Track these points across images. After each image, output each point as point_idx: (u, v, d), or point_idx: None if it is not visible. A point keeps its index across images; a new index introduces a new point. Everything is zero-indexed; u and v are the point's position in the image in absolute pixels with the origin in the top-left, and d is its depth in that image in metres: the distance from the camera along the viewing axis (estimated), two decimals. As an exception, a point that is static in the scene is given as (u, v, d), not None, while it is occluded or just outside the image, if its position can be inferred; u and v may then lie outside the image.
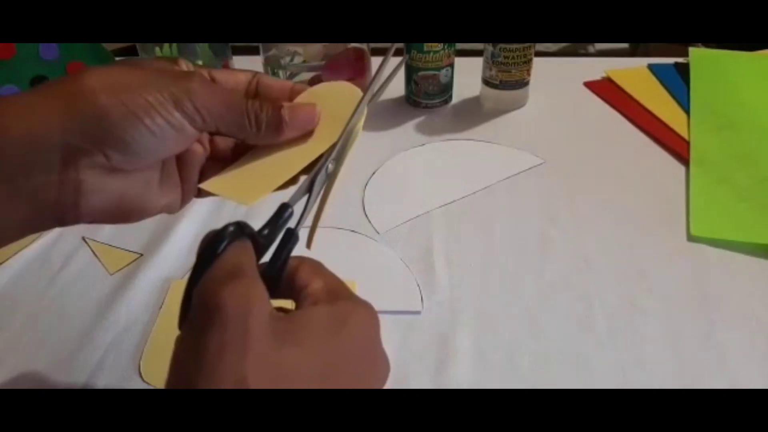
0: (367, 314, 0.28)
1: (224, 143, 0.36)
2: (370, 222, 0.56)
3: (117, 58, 0.67)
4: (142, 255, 0.53)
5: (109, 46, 0.68)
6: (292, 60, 0.71)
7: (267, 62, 0.73)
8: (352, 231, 0.55)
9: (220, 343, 0.23)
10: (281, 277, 0.29)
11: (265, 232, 0.28)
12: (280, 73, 0.72)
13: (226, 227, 0.26)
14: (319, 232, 0.55)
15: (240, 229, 0.26)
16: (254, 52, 0.74)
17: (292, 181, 0.34)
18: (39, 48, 0.63)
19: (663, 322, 0.45)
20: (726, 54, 0.82)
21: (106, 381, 0.42)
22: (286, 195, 0.31)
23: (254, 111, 0.31)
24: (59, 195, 0.28)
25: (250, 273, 0.25)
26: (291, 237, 0.29)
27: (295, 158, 0.33)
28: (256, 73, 0.35)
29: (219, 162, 0.35)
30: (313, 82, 0.72)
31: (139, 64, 0.31)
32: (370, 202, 0.59)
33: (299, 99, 0.35)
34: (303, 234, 0.30)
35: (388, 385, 0.41)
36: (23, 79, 0.63)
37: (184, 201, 0.35)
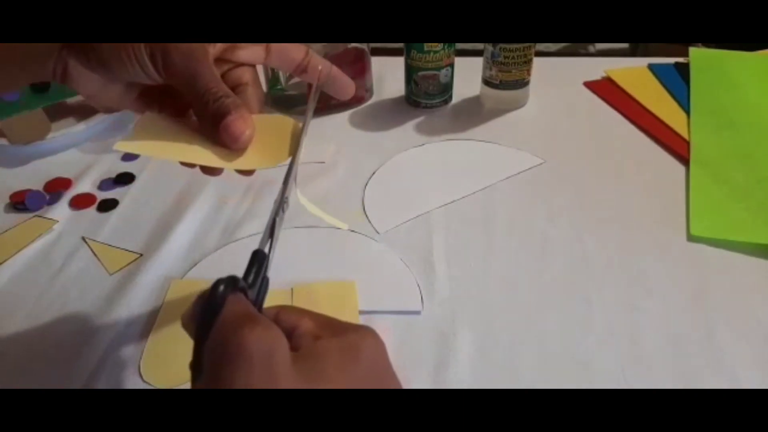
0: (376, 341, 0.27)
1: None
2: (370, 222, 0.56)
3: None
4: (142, 255, 0.53)
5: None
6: (292, 60, 0.71)
7: (267, 62, 0.73)
8: (352, 231, 0.55)
9: (247, 385, 0.22)
10: None
11: (250, 280, 0.28)
12: (280, 73, 0.73)
13: (217, 285, 0.25)
14: (318, 231, 0.55)
15: (234, 282, 0.26)
16: (254, 52, 0.74)
17: (190, 165, 0.36)
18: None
19: (663, 322, 0.45)
20: (726, 54, 0.82)
21: (106, 381, 0.42)
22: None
23: (205, 100, 0.34)
24: (53, 69, 0.34)
25: (262, 317, 0.25)
26: (263, 282, 0.29)
27: (207, 155, 0.35)
28: (309, 51, 0.39)
29: None
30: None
31: None
32: (370, 202, 0.59)
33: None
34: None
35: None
36: (23, 79, 0.63)
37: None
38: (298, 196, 0.36)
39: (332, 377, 0.24)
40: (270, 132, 0.36)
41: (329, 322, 0.28)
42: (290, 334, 0.27)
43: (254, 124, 0.35)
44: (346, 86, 0.40)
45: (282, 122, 0.37)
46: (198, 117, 0.35)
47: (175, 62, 0.33)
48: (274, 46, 0.37)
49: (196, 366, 0.25)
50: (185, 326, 0.26)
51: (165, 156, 0.35)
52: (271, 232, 0.31)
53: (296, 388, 0.23)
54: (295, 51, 0.38)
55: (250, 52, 0.37)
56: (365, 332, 0.27)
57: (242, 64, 0.38)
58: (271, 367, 0.23)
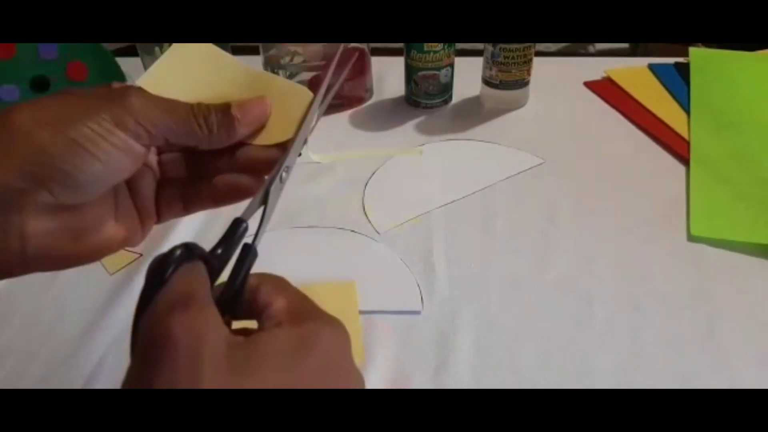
0: (336, 333, 0.25)
1: (175, 166, 0.34)
2: (370, 222, 0.56)
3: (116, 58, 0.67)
4: (142, 255, 0.53)
5: (109, 46, 0.68)
6: (292, 60, 0.71)
7: (267, 62, 0.73)
8: (352, 231, 0.55)
9: (170, 380, 0.21)
10: (241, 297, 0.26)
11: (219, 251, 0.26)
12: (280, 73, 0.73)
13: (173, 250, 0.24)
14: (318, 231, 0.55)
15: (189, 251, 0.24)
16: (254, 52, 0.74)
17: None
18: (39, 48, 0.63)
19: (663, 322, 0.45)
20: (726, 54, 0.82)
21: (106, 381, 0.42)
22: (239, 209, 0.29)
23: (202, 114, 0.30)
24: (2, 244, 0.26)
25: (201, 299, 0.23)
26: (249, 253, 0.27)
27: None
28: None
29: (173, 185, 0.34)
30: (312, 82, 0.72)
31: (69, 92, 0.29)
32: (370, 202, 0.59)
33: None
34: (260, 249, 0.28)
35: (389, 385, 0.41)
36: (23, 79, 0.63)
37: (144, 231, 0.33)
38: (310, 155, 0.33)
39: (269, 371, 0.23)
40: (286, 102, 0.34)
41: (300, 307, 0.26)
42: (262, 311, 0.26)
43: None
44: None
45: (299, 93, 0.34)
46: (205, 141, 0.31)
47: (145, 110, 0.28)
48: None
49: (132, 341, 0.24)
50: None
51: (189, 98, 0.31)
52: (263, 199, 0.29)
53: (219, 384, 0.21)
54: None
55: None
56: (326, 324, 0.25)
57: None
58: (196, 359, 0.21)
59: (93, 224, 0.29)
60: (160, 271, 0.24)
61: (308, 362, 0.24)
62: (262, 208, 0.29)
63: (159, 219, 0.34)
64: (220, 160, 0.33)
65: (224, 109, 0.31)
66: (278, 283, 0.27)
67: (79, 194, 0.27)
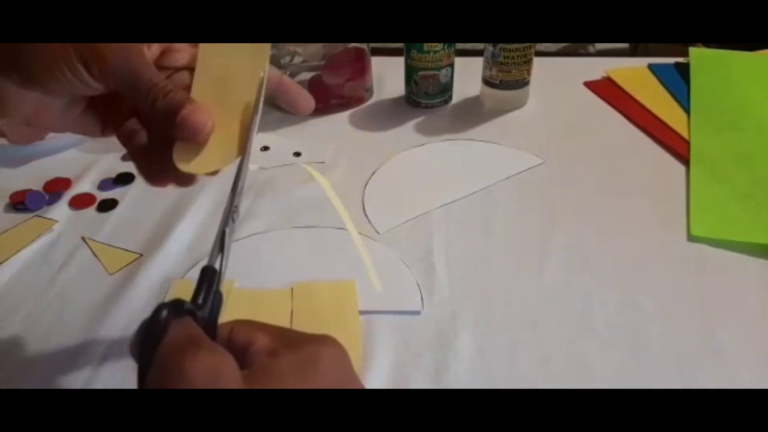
0: (335, 350, 0.26)
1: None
2: (370, 222, 0.56)
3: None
4: (142, 255, 0.53)
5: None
6: (292, 60, 0.71)
7: (267, 62, 0.73)
8: (352, 231, 0.55)
9: None
10: None
11: (200, 300, 0.27)
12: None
13: (159, 310, 0.24)
14: (318, 231, 0.55)
15: (176, 307, 0.25)
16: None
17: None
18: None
19: (663, 322, 0.45)
20: (726, 54, 0.82)
21: (106, 381, 0.42)
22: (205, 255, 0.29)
23: (154, 95, 0.32)
24: None
25: (207, 340, 0.24)
26: (215, 299, 0.27)
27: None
28: None
29: (136, 121, 0.36)
30: (313, 82, 0.72)
31: None
32: (370, 202, 0.59)
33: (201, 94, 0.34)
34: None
35: (389, 385, 0.41)
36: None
37: (104, 135, 0.37)
38: (310, 171, 0.34)
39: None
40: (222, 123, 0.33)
41: (285, 334, 0.27)
42: (245, 351, 0.26)
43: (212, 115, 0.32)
44: (300, 100, 0.37)
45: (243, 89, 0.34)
46: (149, 118, 0.33)
47: (111, 64, 0.31)
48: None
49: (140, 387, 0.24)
50: (131, 354, 0.25)
51: (205, 74, 0.34)
52: (221, 245, 0.29)
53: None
54: None
55: (186, 54, 0.35)
56: (323, 343, 0.26)
57: (180, 69, 0.35)
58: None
59: (55, 111, 0.34)
60: (154, 327, 0.24)
61: (317, 383, 0.24)
62: (221, 254, 0.29)
63: (109, 129, 0.37)
64: (159, 143, 0.34)
65: (177, 103, 0.32)
66: (250, 323, 0.27)
67: (43, 91, 0.32)
